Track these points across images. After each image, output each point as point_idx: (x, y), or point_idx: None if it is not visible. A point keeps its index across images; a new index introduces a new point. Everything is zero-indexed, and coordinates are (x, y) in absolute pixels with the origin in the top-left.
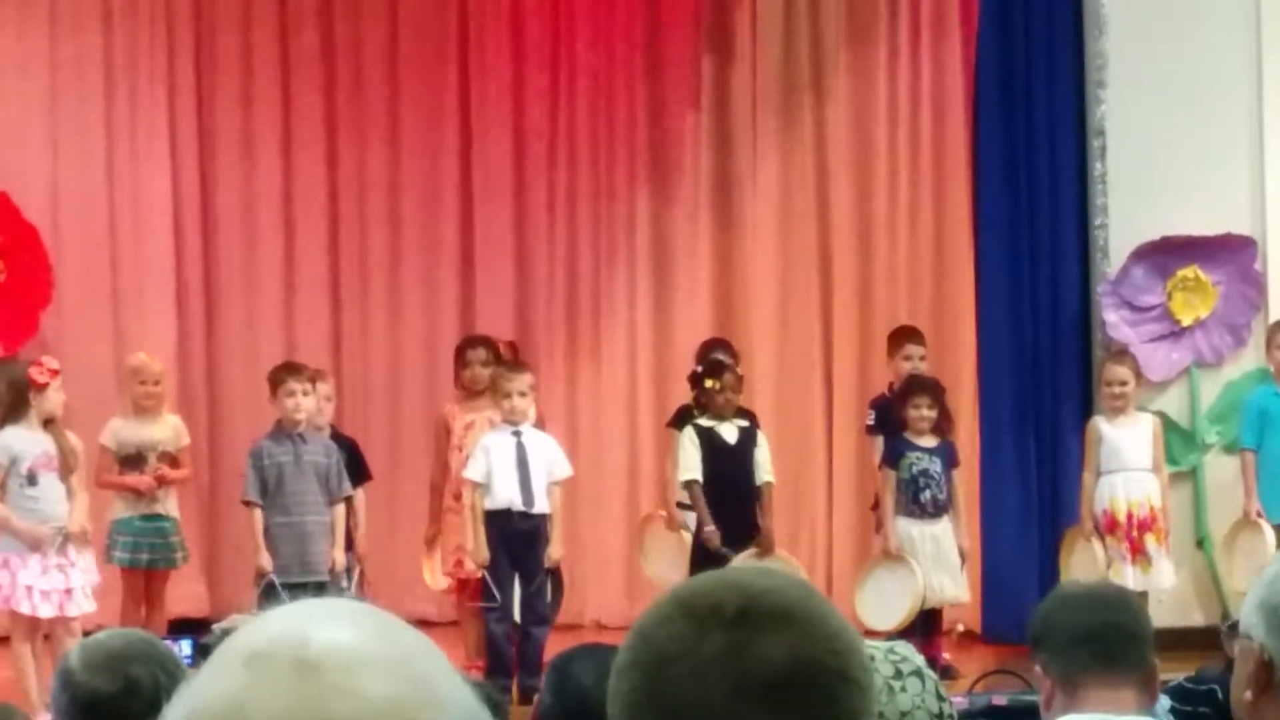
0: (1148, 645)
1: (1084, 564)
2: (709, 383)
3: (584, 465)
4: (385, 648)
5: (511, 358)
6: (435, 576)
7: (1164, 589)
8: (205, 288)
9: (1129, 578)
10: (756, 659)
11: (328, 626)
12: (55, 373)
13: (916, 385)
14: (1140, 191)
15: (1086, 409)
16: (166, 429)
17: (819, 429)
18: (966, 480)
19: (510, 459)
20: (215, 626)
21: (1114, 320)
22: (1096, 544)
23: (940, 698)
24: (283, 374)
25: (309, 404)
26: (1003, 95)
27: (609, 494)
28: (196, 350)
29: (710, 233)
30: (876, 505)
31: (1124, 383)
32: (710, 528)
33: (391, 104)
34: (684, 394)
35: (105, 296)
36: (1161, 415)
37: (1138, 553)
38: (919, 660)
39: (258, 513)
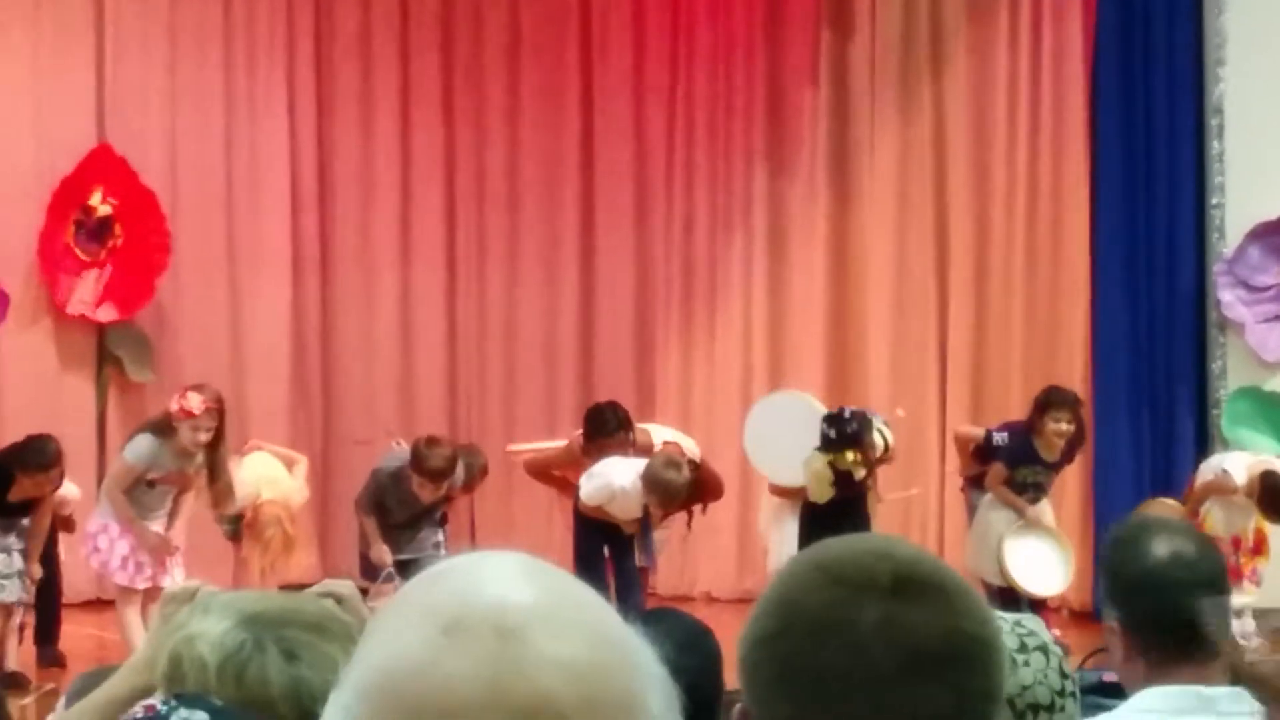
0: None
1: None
2: (850, 456)
3: (698, 437)
4: (575, 609)
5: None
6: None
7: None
8: (321, 256)
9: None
10: (916, 629)
11: (515, 588)
12: (188, 414)
13: (1059, 399)
14: (1258, 171)
15: (1201, 386)
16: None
17: (933, 401)
18: (1080, 458)
19: (637, 497)
20: (308, 591)
21: (1229, 299)
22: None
23: (1064, 675)
24: (418, 469)
25: (432, 494)
26: (1121, 73)
27: (722, 466)
28: (311, 317)
29: (827, 206)
30: (964, 485)
31: None
32: None
33: (512, 79)
34: (796, 368)
35: (221, 263)
36: (1274, 395)
37: (1238, 578)
38: (1045, 636)
39: (372, 521)
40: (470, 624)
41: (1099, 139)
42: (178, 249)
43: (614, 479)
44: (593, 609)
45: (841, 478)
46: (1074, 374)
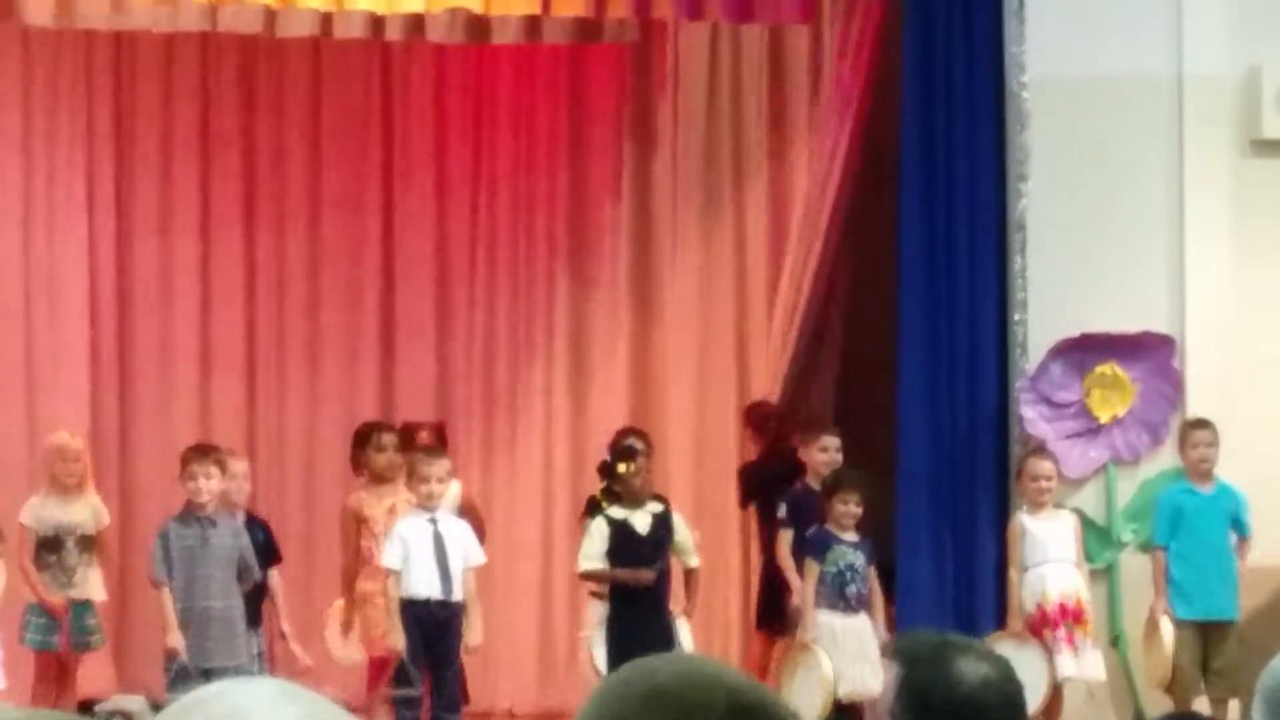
0: None
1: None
2: (622, 467)
3: (498, 552)
4: None
5: (435, 441)
6: (346, 648)
7: (1098, 679)
8: (119, 367)
9: (1068, 666)
10: None
11: (278, 710)
12: None
13: (846, 481)
14: (1060, 287)
15: (1003, 504)
16: (85, 510)
17: (734, 517)
18: (881, 575)
19: (428, 547)
20: (98, 708)
21: (1032, 416)
22: (1033, 641)
23: None
24: (188, 456)
25: (213, 486)
26: (924, 187)
27: (523, 582)
28: (109, 429)
29: (629, 321)
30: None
31: (1049, 477)
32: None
33: (312, 187)
34: (597, 482)
35: (18, 373)
36: (1078, 512)
37: (1070, 643)
38: None
39: (166, 592)
40: None
41: (902, 254)
42: None
43: (395, 528)
44: None
45: (621, 536)
46: (877, 492)
